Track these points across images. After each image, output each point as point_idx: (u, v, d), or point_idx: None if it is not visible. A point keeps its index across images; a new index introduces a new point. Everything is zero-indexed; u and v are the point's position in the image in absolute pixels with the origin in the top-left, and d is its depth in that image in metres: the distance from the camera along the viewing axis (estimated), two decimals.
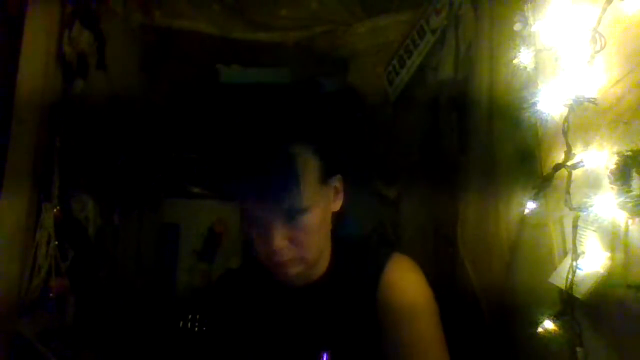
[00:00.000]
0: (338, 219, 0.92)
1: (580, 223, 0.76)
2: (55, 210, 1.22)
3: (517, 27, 0.95)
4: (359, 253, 0.94)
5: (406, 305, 0.86)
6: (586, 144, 0.77)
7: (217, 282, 1.05)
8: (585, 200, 0.73)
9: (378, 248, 0.98)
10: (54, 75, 1.26)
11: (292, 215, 0.81)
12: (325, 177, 0.85)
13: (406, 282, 0.89)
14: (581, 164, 0.76)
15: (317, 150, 0.83)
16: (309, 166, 0.82)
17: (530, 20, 0.91)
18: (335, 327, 0.89)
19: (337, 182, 0.89)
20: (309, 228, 0.83)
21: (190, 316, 1.89)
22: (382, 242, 1.76)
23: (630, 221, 0.67)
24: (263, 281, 0.92)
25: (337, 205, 0.90)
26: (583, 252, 0.76)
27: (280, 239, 0.82)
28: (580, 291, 0.75)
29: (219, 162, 0.91)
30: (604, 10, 0.70)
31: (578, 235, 0.76)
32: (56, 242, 1.20)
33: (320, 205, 0.84)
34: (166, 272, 2.21)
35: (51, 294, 1.19)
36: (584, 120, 0.77)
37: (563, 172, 0.80)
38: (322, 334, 0.89)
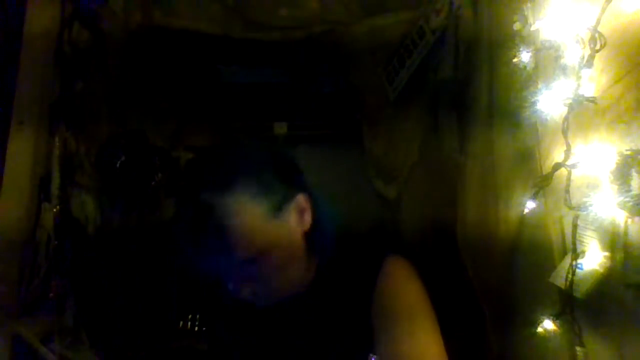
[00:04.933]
0: (318, 228, 0.89)
1: (579, 222, 0.76)
2: (55, 210, 1.22)
3: (517, 26, 0.95)
4: (351, 256, 0.93)
5: (401, 312, 0.84)
6: (586, 143, 0.77)
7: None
8: (584, 199, 0.73)
9: (372, 250, 0.95)
10: (54, 75, 1.26)
11: (243, 265, 0.79)
12: (278, 211, 0.81)
13: (400, 287, 0.87)
14: (581, 163, 0.76)
15: (257, 192, 0.79)
16: (249, 212, 0.78)
17: (530, 19, 0.91)
18: (328, 332, 0.88)
19: (297, 202, 0.85)
20: (268, 270, 0.81)
21: (190, 316, 1.89)
22: (380, 242, 1.76)
23: (629, 221, 0.67)
24: None
25: (306, 224, 0.86)
26: (583, 252, 0.76)
27: (240, 287, 0.81)
28: (580, 291, 0.75)
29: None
30: (604, 9, 0.70)
31: (578, 234, 0.76)
32: (56, 242, 1.20)
33: (275, 242, 0.81)
34: (166, 272, 2.21)
35: (51, 294, 1.19)
36: (584, 119, 0.77)
37: (562, 171, 0.80)
38: (315, 340, 0.88)
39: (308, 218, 0.87)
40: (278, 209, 0.82)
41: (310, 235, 0.87)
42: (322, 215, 0.89)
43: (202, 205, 0.78)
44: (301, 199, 0.86)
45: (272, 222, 0.80)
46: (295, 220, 0.85)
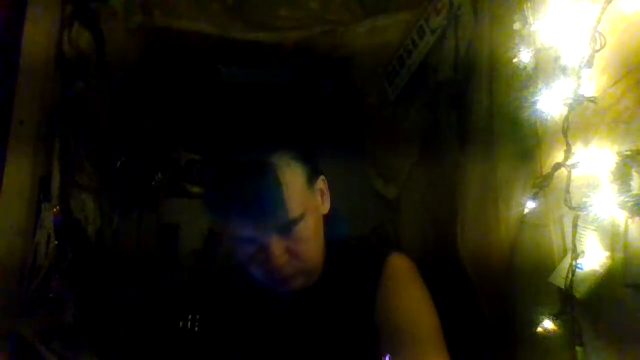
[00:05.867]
0: (330, 220, 0.90)
1: (580, 222, 0.76)
2: (55, 210, 1.22)
3: (516, 26, 0.95)
4: (355, 254, 0.93)
5: (404, 311, 0.85)
6: (586, 143, 0.77)
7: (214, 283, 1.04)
8: (585, 199, 0.73)
9: (375, 248, 0.97)
10: (54, 75, 1.27)
11: (287, 227, 0.78)
12: (311, 181, 0.83)
13: (404, 286, 0.88)
14: (581, 163, 0.76)
15: (299, 155, 0.81)
16: (294, 173, 0.79)
17: (530, 19, 0.91)
18: (332, 329, 0.88)
19: (321, 183, 0.88)
20: (305, 237, 0.81)
21: (190, 316, 1.88)
22: (382, 241, 1.76)
23: (630, 221, 0.67)
24: (257, 286, 0.89)
25: (326, 208, 0.88)
26: (583, 252, 0.76)
27: (280, 255, 0.79)
28: (580, 290, 0.75)
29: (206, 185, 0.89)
30: (604, 9, 0.70)
31: (578, 234, 0.76)
32: (56, 242, 1.20)
33: (311, 211, 0.82)
34: (166, 272, 2.21)
35: (51, 294, 1.19)
36: (584, 119, 0.78)
37: (563, 171, 0.80)
38: (318, 336, 0.89)
39: (327, 202, 0.89)
40: (311, 180, 0.84)
41: (326, 221, 0.89)
42: (334, 209, 0.90)
43: (252, 162, 0.77)
44: (322, 181, 0.88)
45: (309, 191, 0.82)
46: (319, 199, 0.87)
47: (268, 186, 0.76)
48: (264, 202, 0.76)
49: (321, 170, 0.89)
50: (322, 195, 0.88)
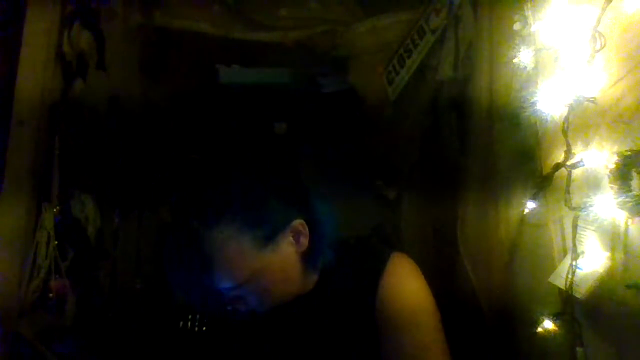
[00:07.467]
0: (319, 243, 0.89)
1: (580, 223, 0.76)
2: (55, 210, 1.22)
3: (516, 26, 0.95)
4: (354, 255, 0.93)
5: (406, 310, 0.85)
6: (586, 143, 0.77)
7: None
8: (585, 200, 0.73)
9: (375, 249, 0.96)
10: (54, 75, 1.26)
11: (233, 289, 0.82)
12: (267, 241, 0.83)
13: (406, 285, 0.88)
14: (581, 163, 0.76)
15: (244, 227, 0.81)
16: (234, 245, 0.80)
17: (530, 20, 0.91)
18: (332, 330, 0.88)
19: (293, 228, 0.86)
20: (255, 292, 0.83)
21: (190, 316, 1.88)
22: (382, 241, 1.76)
23: (630, 221, 0.67)
24: None
25: (302, 246, 0.87)
26: (583, 252, 0.76)
27: (229, 303, 0.84)
28: (580, 291, 0.75)
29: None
30: (604, 9, 0.70)
31: (578, 235, 0.76)
32: (56, 242, 1.20)
33: (264, 269, 0.83)
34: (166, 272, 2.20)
35: (51, 294, 1.19)
36: (584, 120, 0.77)
37: (563, 171, 0.80)
38: (319, 338, 0.89)
39: (304, 241, 0.88)
40: (269, 238, 0.83)
41: (307, 253, 0.88)
42: (322, 231, 0.90)
43: (190, 235, 0.81)
44: (297, 224, 0.87)
45: (262, 251, 0.82)
46: (290, 244, 0.86)
47: (202, 261, 0.80)
48: (200, 273, 0.80)
49: (298, 211, 0.87)
50: (298, 236, 0.87)
